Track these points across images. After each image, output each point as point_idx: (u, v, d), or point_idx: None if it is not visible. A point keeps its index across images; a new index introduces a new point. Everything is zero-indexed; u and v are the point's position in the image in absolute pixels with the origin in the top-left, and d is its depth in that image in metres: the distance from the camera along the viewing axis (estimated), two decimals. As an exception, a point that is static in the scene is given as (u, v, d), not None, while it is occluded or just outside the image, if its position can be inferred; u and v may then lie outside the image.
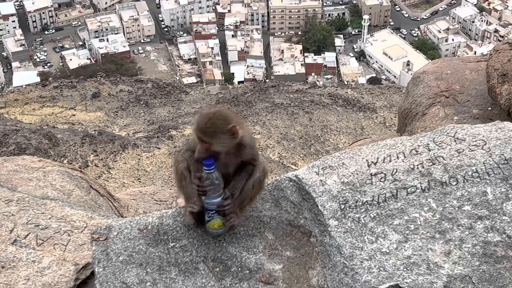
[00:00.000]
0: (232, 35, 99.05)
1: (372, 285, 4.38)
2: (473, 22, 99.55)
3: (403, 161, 4.99)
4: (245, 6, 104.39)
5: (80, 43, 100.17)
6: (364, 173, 4.95)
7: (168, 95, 58.79)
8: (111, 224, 4.99)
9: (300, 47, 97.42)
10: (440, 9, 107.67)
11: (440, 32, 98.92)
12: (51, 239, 5.89)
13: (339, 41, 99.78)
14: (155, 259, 4.76)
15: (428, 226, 4.60)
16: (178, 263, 4.73)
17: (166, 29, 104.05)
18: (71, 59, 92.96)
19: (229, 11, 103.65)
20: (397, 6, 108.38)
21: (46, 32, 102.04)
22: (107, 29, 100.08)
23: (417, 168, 4.92)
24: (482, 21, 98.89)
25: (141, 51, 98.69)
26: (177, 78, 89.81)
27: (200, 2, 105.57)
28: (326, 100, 52.51)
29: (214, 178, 4.51)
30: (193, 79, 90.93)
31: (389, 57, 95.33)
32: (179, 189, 4.78)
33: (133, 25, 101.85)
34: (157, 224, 4.93)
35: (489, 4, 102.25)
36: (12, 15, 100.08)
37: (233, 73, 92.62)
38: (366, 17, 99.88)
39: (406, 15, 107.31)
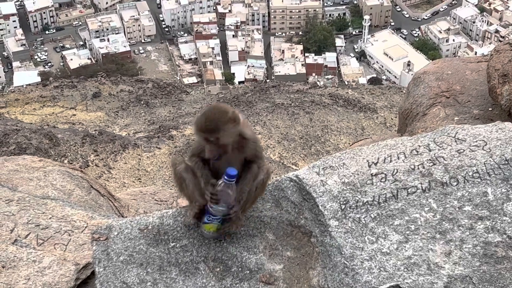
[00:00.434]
0: (233, 35, 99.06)
1: (373, 285, 4.38)
2: (473, 22, 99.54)
3: (403, 162, 4.99)
4: (246, 6, 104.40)
5: (81, 43, 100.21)
6: (364, 174, 4.95)
7: (168, 95, 58.79)
8: (111, 224, 4.99)
9: (300, 47, 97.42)
10: (441, 9, 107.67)
11: (440, 32, 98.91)
12: (52, 239, 5.89)
13: (339, 41, 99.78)
14: (155, 259, 4.76)
15: (429, 226, 4.60)
16: (179, 263, 4.73)
17: (166, 29, 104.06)
18: (71, 59, 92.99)
19: (230, 11, 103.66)
20: (398, 7, 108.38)
21: (46, 32, 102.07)
22: (107, 29, 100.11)
23: (418, 168, 4.92)
24: (482, 21, 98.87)
25: (141, 51, 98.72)
26: (178, 78, 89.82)
27: (200, 2, 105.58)
28: (327, 100, 52.50)
29: (231, 189, 4.48)
30: (193, 79, 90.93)
31: (389, 57, 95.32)
32: (180, 191, 4.77)
33: (134, 25, 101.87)
34: (158, 224, 4.93)
35: (489, 4, 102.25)
36: (12, 14, 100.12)
37: (233, 73, 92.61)
38: (366, 17, 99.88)
39: (407, 16, 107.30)
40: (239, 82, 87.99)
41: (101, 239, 4.90)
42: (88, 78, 62.95)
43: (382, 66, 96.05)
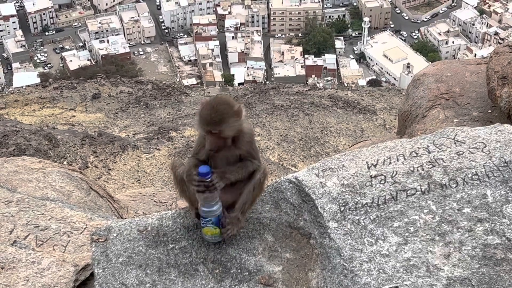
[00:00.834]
0: (233, 37, 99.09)
1: (372, 287, 4.38)
2: (473, 24, 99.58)
3: (403, 163, 4.99)
4: (246, 8, 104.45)
5: (81, 44, 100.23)
6: (364, 175, 4.95)
7: (168, 97, 58.77)
8: (110, 226, 4.99)
9: (300, 49, 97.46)
10: (441, 11, 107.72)
11: (440, 34, 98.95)
12: (51, 240, 5.89)
13: (339, 43, 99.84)
14: (154, 260, 4.76)
15: (428, 228, 4.60)
16: (178, 265, 4.73)
17: (166, 31, 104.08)
18: (71, 60, 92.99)
19: (230, 12, 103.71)
20: (397, 9, 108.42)
21: (46, 33, 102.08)
22: (107, 30, 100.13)
23: (417, 170, 4.92)
24: (482, 23, 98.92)
25: (141, 53, 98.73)
26: (177, 80, 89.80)
27: (200, 3, 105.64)
28: (326, 102, 52.50)
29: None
30: (193, 81, 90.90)
31: (389, 59, 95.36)
32: (181, 194, 4.76)
33: (134, 27, 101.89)
34: (157, 225, 4.93)
35: (489, 6, 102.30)
36: (12, 16, 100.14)
37: (233, 75, 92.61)
38: (366, 19, 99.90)
39: (407, 18, 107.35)
40: (239, 84, 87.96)
41: (100, 240, 4.90)
42: (88, 79, 62.91)
43: (382, 68, 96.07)
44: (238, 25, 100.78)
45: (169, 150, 38.86)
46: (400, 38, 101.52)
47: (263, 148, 43.62)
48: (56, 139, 36.23)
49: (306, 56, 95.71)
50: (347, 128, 48.54)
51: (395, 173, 4.92)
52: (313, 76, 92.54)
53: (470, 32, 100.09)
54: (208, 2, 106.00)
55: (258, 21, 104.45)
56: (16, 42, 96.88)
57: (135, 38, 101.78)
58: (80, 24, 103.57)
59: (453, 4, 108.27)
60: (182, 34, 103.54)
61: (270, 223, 4.87)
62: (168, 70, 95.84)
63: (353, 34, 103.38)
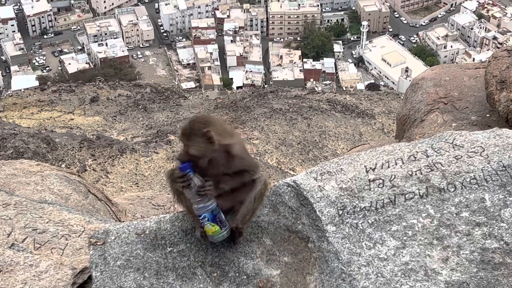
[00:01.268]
0: (231, 41, 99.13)
1: (370, 291, 4.38)
2: (472, 29, 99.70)
3: (401, 167, 4.99)
4: (244, 12, 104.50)
5: (79, 47, 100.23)
6: (362, 179, 4.95)
7: (166, 100, 58.74)
8: (108, 229, 4.98)
9: (299, 52, 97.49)
10: (439, 15, 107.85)
11: (438, 38, 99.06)
12: (49, 243, 5.89)
13: (338, 47, 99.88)
14: (152, 263, 4.75)
15: (426, 232, 4.60)
16: (176, 268, 4.72)
17: (165, 34, 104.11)
18: (70, 63, 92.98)
19: (228, 16, 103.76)
20: (396, 13, 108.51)
21: (45, 36, 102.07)
22: (106, 34, 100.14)
23: (415, 174, 4.92)
24: (481, 28, 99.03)
25: (140, 56, 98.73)
26: (176, 83, 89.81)
27: (199, 7, 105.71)
28: (325, 106, 52.50)
29: (193, 182, 4.50)
30: (191, 84, 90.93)
31: (387, 63, 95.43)
32: (179, 203, 4.77)
33: (132, 30, 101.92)
34: (155, 228, 4.92)
35: (488, 11, 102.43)
36: (11, 19, 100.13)
37: (231, 78, 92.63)
38: (365, 23, 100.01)
39: (405, 22, 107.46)
40: (237, 87, 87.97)
41: (98, 243, 4.89)
42: (86, 82, 62.87)
43: (380, 72, 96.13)
44: (237, 29, 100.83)
45: (167, 153, 38.84)
46: (398, 42, 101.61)
47: (261, 151, 43.61)
48: (54, 142, 36.20)
49: (304, 60, 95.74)
50: (345, 132, 48.55)
51: (393, 177, 4.92)
52: (312, 80, 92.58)
53: (468, 37, 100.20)
54: (207, 5, 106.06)
55: (256, 24, 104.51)
56: (14, 45, 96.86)
57: (133, 42, 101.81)
58: (78, 27, 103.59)
59: (451, 9, 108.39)
60: (180, 38, 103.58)
61: (268, 227, 4.87)
62: (167, 73, 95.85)
63: (352, 38, 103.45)
